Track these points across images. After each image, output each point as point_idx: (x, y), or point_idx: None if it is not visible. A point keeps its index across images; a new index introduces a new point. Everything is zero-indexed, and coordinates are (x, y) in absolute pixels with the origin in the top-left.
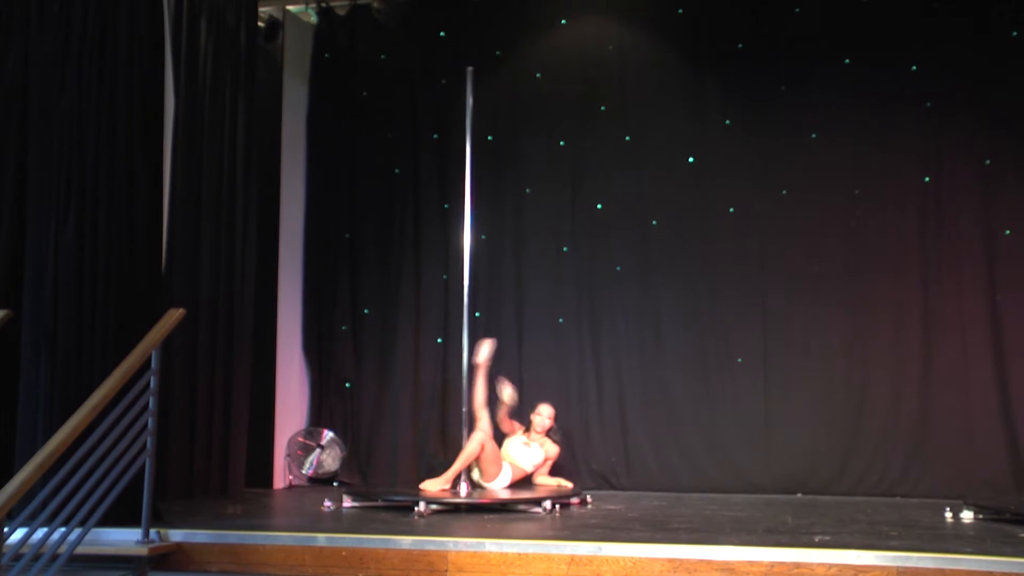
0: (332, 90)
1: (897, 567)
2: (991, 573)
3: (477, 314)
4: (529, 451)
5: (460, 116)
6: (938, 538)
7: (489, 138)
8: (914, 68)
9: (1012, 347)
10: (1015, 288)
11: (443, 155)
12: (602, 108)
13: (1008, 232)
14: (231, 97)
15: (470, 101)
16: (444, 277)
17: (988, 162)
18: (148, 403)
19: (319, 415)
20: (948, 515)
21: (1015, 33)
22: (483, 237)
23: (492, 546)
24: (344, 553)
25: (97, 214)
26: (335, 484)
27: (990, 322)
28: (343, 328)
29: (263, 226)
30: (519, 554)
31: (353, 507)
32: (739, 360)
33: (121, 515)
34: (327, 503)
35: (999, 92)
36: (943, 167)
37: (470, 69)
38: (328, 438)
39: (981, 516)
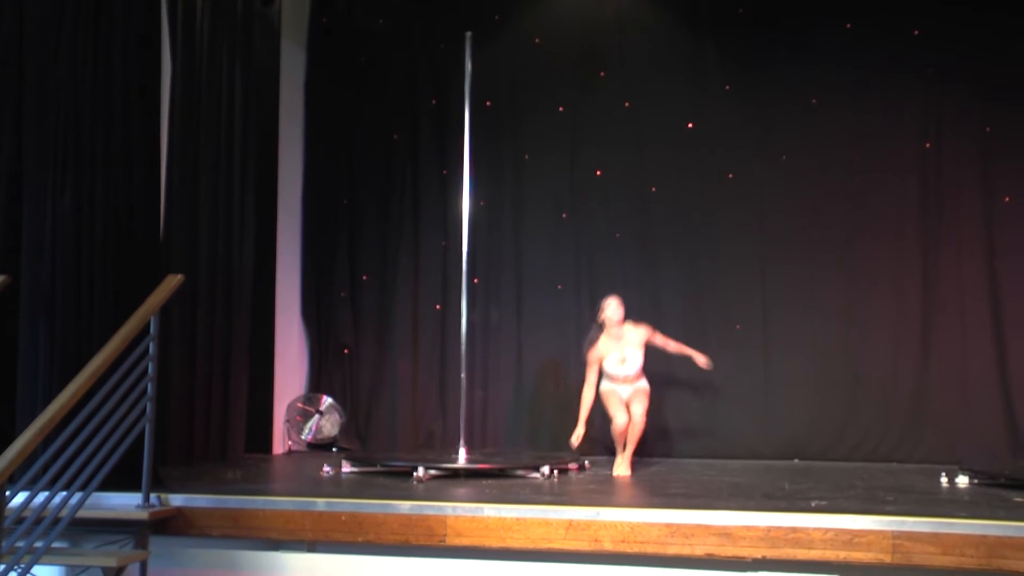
0: (330, 56)
1: (892, 531)
2: (985, 536)
3: (476, 280)
4: (628, 358)
5: (459, 82)
6: (933, 503)
7: (488, 104)
8: (916, 33)
9: (1010, 313)
10: (1013, 255)
11: (442, 121)
12: (601, 74)
13: (1007, 199)
14: (228, 62)
15: (469, 67)
16: (443, 243)
17: (988, 129)
18: (147, 368)
19: (318, 381)
20: (944, 480)
21: None
22: (482, 203)
23: (490, 511)
24: (343, 518)
25: (94, 180)
26: (334, 450)
27: (988, 289)
28: (342, 294)
29: (261, 193)
30: (517, 519)
31: (352, 472)
32: (738, 327)
33: (122, 480)
34: (326, 468)
35: (1000, 59)
36: (943, 134)
37: (469, 34)
38: (327, 404)
39: (976, 481)
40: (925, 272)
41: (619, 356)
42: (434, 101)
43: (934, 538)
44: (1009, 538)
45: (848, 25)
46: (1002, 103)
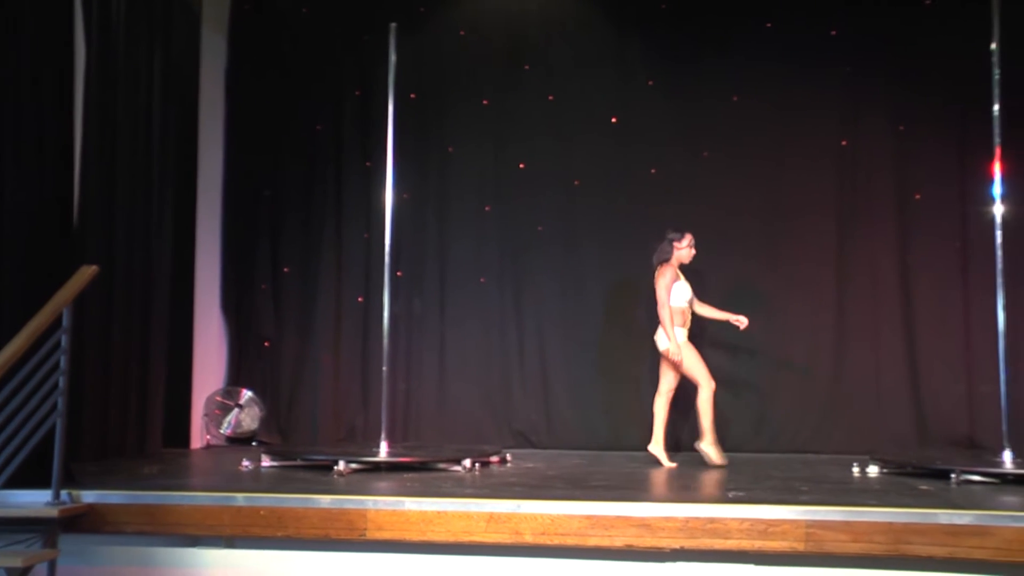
0: (252, 44)
1: (806, 520)
2: (892, 524)
3: (399, 273)
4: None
5: (383, 73)
6: (845, 492)
7: (412, 96)
8: (833, 34)
9: (920, 308)
10: (924, 250)
11: (365, 112)
12: (526, 67)
13: (918, 196)
14: (146, 51)
15: (393, 58)
16: (366, 235)
17: (901, 128)
18: (59, 362)
19: (238, 374)
20: (856, 470)
21: (927, 1)
22: (405, 196)
23: (411, 504)
24: (263, 512)
25: (3, 172)
26: (254, 444)
27: (900, 284)
28: (263, 287)
29: (180, 183)
30: (438, 512)
31: (272, 466)
32: None
33: (31, 477)
34: (245, 463)
35: (914, 60)
36: (860, 132)
37: (393, 25)
38: (247, 397)
39: (886, 470)
40: (840, 267)
41: (689, 292)
42: (358, 92)
43: (845, 526)
44: (914, 524)
45: (768, 24)
46: (914, 103)
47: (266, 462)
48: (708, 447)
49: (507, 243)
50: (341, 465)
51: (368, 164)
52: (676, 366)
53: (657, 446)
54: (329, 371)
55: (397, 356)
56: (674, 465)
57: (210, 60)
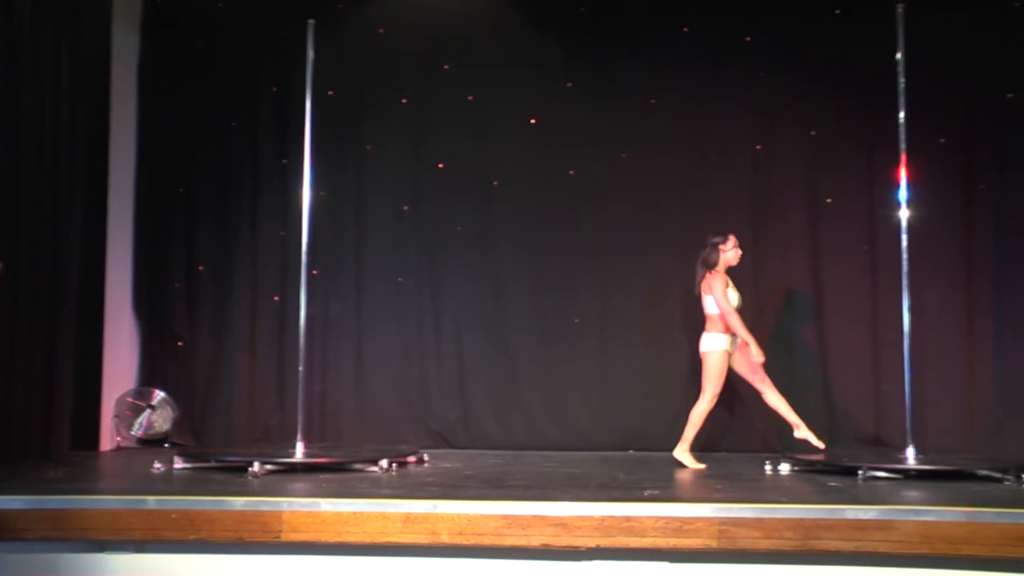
0: (166, 39)
1: (720, 518)
2: (802, 520)
3: (315, 272)
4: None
5: (300, 70)
6: (758, 490)
7: (330, 93)
8: (748, 40)
9: (831, 310)
10: (834, 254)
11: (282, 109)
12: (445, 66)
13: (829, 200)
14: (53, 45)
15: (311, 55)
16: (282, 234)
17: (814, 133)
18: None
19: (150, 375)
20: (768, 468)
21: (838, 11)
22: (322, 194)
23: (327, 505)
24: (174, 515)
25: None
26: (166, 446)
27: (812, 286)
28: (176, 285)
29: (91, 180)
30: (354, 513)
31: (185, 468)
32: (577, 320)
33: None
34: (157, 465)
35: (826, 67)
36: (774, 136)
37: (311, 22)
38: (159, 398)
39: (797, 468)
40: (755, 269)
41: (737, 298)
42: (275, 89)
43: (757, 523)
44: (823, 520)
45: (686, 29)
46: (826, 109)
47: (178, 464)
48: (683, 455)
49: (425, 243)
50: (256, 466)
51: (285, 161)
52: (760, 366)
53: (683, 450)
54: (244, 371)
55: (313, 356)
56: (703, 466)
57: (122, 55)
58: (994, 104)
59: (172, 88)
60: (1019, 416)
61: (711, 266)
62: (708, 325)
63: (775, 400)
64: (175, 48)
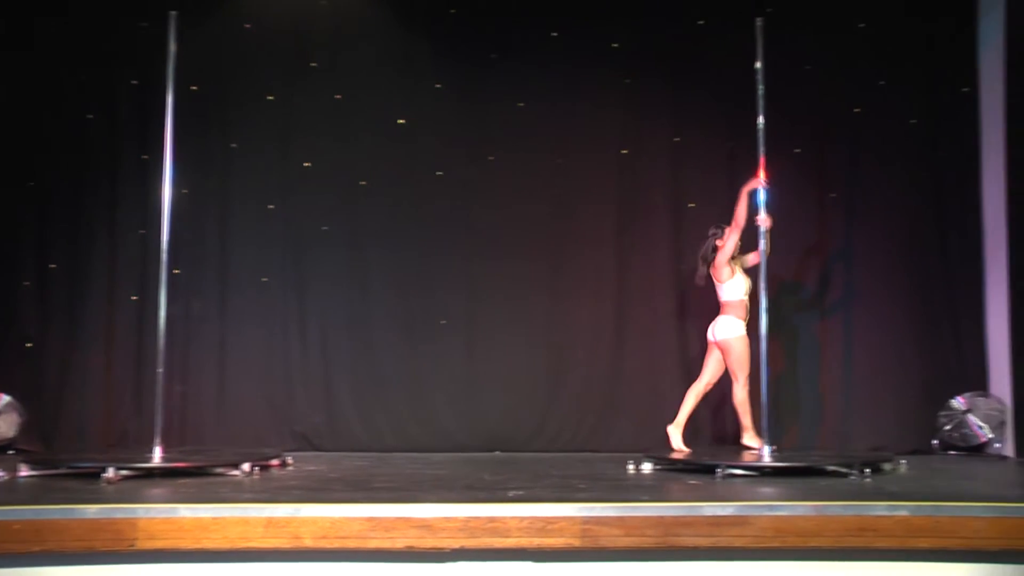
0: (16, 26)
1: (583, 517)
2: (663, 517)
3: (176, 271)
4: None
5: (161, 63)
6: (620, 489)
7: (193, 88)
8: (615, 46)
9: (692, 313)
10: (696, 258)
11: (143, 104)
12: (313, 64)
13: (692, 205)
14: None
15: (173, 48)
16: (141, 232)
17: (677, 139)
18: None
19: None
20: (631, 468)
21: (701, 21)
22: (184, 192)
23: (186, 511)
24: (17, 527)
25: None
26: (11, 452)
27: (675, 289)
28: (25, 284)
29: None
30: (214, 518)
31: (31, 476)
32: (443, 322)
33: None
34: None
35: (689, 74)
36: (639, 141)
37: (173, 14)
38: (4, 402)
39: (659, 467)
40: (620, 271)
41: (746, 285)
42: (135, 82)
43: (619, 521)
44: (683, 517)
45: (554, 33)
46: (689, 115)
47: (24, 471)
48: (751, 440)
49: (291, 243)
50: (110, 472)
51: (145, 157)
52: (723, 360)
53: (676, 429)
54: (99, 373)
55: (174, 357)
56: (687, 450)
57: None
58: (844, 116)
59: (23, 76)
60: (865, 414)
61: (709, 261)
62: (724, 310)
63: (693, 394)
64: (28, 34)
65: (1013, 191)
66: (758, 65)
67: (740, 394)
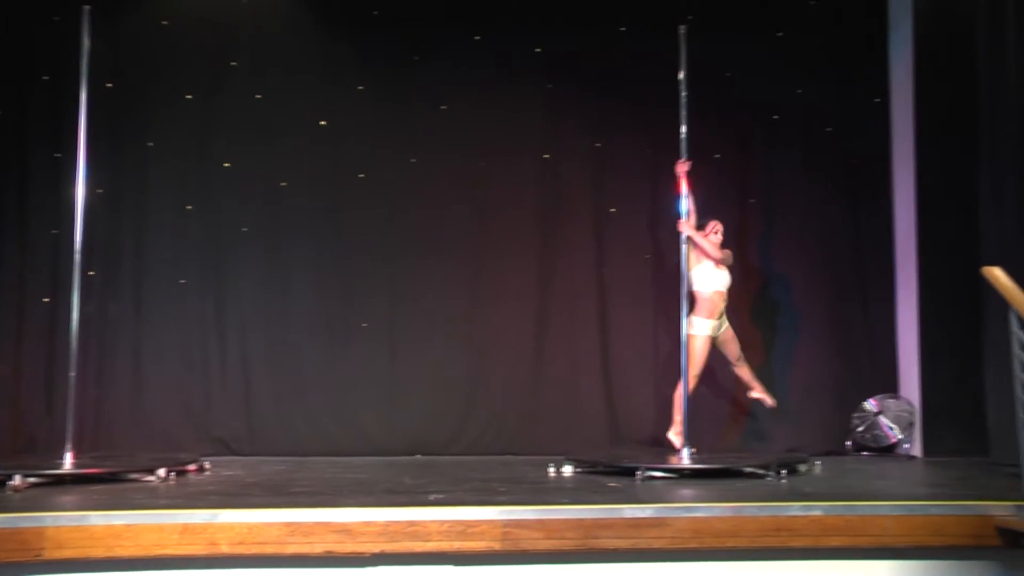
0: None
1: (503, 520)
2: (582, 520)
3: (91, 272)
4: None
5: (75, 58)
6: (541, 491)
7: (109, 86)
8: (538, 51)
9: (613, 316)
10: (617, 262)
11: (56, 100)
12: (233, 63)
13: (613, 210)
14: None
15: (87, 43)
16: (54, 232)
17: (598, 145)
18: None
19: None
20: (552, 470)
21: (623, 28)
22: (99, 191)
23: (97, 519)
24: None
25: None
26: None
27: (596, 293)
28: None
29: None
30: (127, 525)
31: None
32: (364, 325)
33: None
34: None
35: (611, 81)
36: (561, 146)
37: (87, 8)
38: None
39: (580, 470)
40: (541, 275)
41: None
42: (47, 77)
43: (539, 524)
44: (602, 519)
45: (477, 37)
46: (611, 121)
47: None
48: (674, 437)
49: (210, 244)
50: (16, 479)
51: (58, 156)
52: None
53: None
54: (6, 377)
55: (87, 361)
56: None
57: None
58: (764, 123)
59: None
60: (782, 416)
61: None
62: (693, 306)
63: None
64: None
65: (922, 200)
66: (681, 76)
67: (680, 390)
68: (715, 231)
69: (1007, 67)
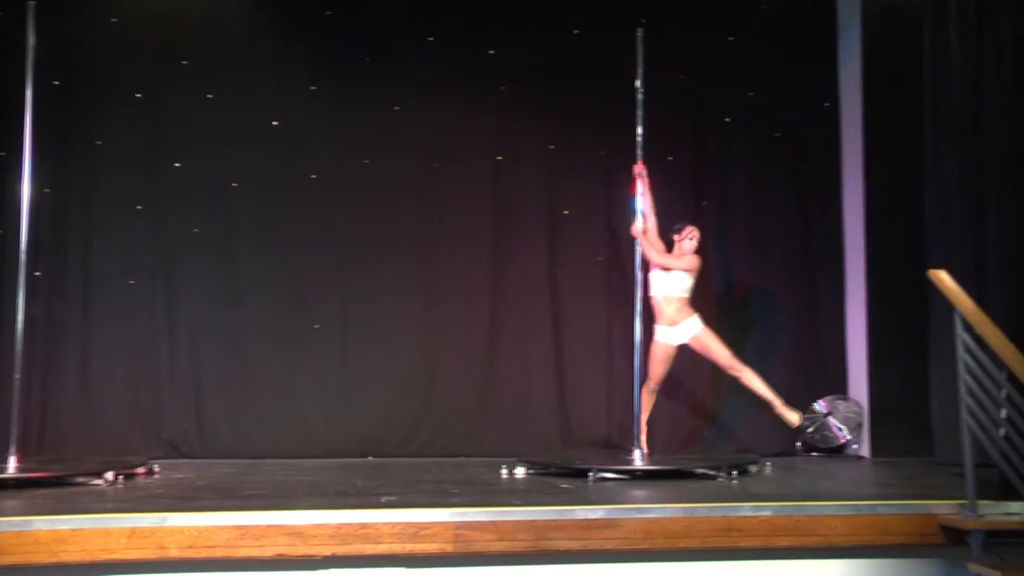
0: None
1: (455, 522)
2: (535, 521)
3: (37, 273)
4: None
5: (20, 55)
6: (493, 493)
7: (55, 82)
8: (491, 53)
9: (566, 318)
10: (570, 264)
11: (0, 97)
12: (183, 62)
13: (566, 212)
14: None
15: (32, 40)
16: None
17: (552, 147)
18: None
19: None
20: (504, 472)
21: (576, 31)
22: (46, 191)
23: (42, 524)
24: None
25: None
26: None
27: (549, 295)
28: None
29: None
30: (73, 530)
31: None
32: (316, 326)
33: None
34: None
35: (565, 84)
36: (514, 148)
37: (32, 4)
38: None
39: (532, 471)
40: (494, 277)
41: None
42: None
43: (492, 526)
44: (554, 520)
45: (431, 38)
46: (565, 123)
47: None
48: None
49: (159, 244)
50: None
51: (2, 154)
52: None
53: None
54: None
55: (33, 363)
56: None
57: None
58: (716, 126)
59: None
60: (733, 418)
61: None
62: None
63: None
64: None
65: (871, 204)
66: (638, 82)
67: (645, 393)
68: (690, 237)
69: (951, 71)
